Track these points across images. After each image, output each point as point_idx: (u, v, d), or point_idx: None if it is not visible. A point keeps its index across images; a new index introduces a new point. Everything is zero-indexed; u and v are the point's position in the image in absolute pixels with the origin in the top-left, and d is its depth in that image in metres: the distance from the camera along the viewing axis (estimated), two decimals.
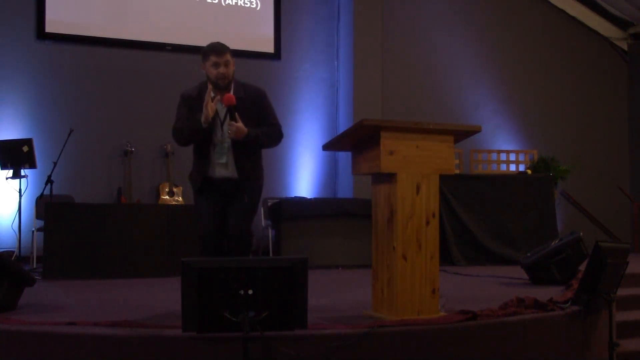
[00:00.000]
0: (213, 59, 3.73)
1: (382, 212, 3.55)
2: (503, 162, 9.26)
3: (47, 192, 6.16)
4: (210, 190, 3.85)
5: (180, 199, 7.67)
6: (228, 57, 3.76)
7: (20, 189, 6.52)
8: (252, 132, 3.74)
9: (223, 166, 3.82)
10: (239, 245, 3.85)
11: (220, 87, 3.76)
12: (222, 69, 3.73)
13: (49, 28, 7.59)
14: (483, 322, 3.32)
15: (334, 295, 4.60)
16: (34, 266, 6.32)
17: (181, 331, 2.82)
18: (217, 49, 3.76)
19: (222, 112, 3.76)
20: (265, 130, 3.85)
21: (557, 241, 5.42)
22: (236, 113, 3.70)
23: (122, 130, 7.79)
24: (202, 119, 3.69)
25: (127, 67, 7.93)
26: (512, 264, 6.40)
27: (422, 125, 3.50)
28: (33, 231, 6.60)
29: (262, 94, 3.93)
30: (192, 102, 3.81)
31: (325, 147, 3.86)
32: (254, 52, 8.46)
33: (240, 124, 3.69)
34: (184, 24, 8.20)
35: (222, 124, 3.77)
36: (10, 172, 6.57)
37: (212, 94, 3.73)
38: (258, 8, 8.59)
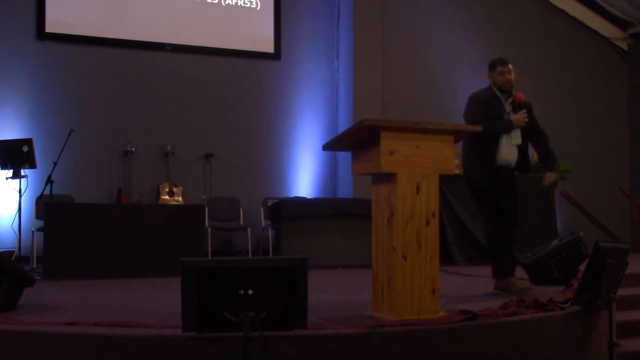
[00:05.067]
0: (499, 68, 4.60)
1: (382, 212, 3.55)
2: None
3: (47, 192, 6.15)
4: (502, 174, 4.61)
5: (180, 199, 7.66)
6: (510, 66, 4.62)
7: (20, 189, 6.52)
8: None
9: (513, 148, 4.59)
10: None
11: (505, 91, 4.63)
12: (507, 76, 4.60)
13: (49, 28, 7.59)
14: (483, 322, 3.32)
15: (334, 295, 4.60)
16: (34, 266, 6.32)
17: (181, 331, 2.82)
18: (502, 60, 4.66)
19: (508, 106, 4.65)
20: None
21: (557, 241, 5.42)
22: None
23: (122, 130, 7.79)
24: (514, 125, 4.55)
25: (127, 67, 7.92)
26: None
27: (422, 125, 3.50)
28: (33, 231, 6.60)
29: (532, 106, 4.80)
30: (484, 104, 4.57)
31: (325, 147, 3.87)
32: (254, 52, 8.46)
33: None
34: (184, 24, 8.20)
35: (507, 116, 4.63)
36: (10, 172, 6.57)
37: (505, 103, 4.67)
38: (258, 8, 8.59)
